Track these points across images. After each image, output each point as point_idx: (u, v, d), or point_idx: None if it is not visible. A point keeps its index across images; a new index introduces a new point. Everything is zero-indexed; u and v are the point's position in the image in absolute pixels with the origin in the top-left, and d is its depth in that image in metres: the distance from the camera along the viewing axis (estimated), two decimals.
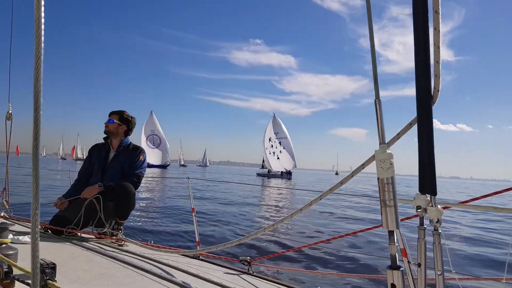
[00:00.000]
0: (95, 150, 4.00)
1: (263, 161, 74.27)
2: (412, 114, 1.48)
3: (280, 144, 70.18)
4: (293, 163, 68.55)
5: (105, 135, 3.96)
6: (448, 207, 2.01)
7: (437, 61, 1.36)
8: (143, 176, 3.86)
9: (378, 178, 1.33)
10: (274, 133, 70.82)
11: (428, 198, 1.39)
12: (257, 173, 72.66)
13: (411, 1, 1.37)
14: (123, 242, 3.23)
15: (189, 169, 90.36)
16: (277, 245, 6.96)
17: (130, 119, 4.01)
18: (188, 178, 4.15)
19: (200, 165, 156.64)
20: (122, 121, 3.93)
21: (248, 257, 2.85)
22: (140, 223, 8.80)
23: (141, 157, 3.91)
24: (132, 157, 3.86)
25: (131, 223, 8.19)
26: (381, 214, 1.29)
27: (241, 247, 6.13)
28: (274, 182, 42.49)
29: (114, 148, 3.91)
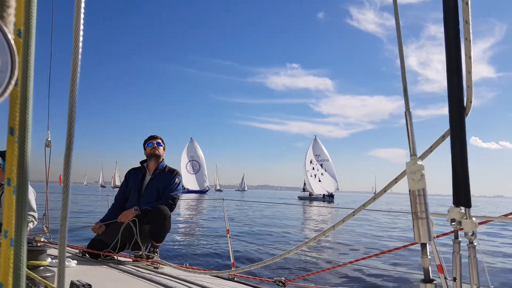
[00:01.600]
0: (131, 174, 4.12)
1: (304, 184, 73.02)
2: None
3: (321, 166, 69.08)
4: (335, 186, 66.94)
5: (143, 159, 4.09)
6: (485, 222, 1.93)
7: (469, 72, 1.35)
8: (178, 199, 3.93)
9: (409, 190, 1.31)
10: (315, 156, 69.89)
11: (463, 211, 1.36)
12: (298, 197, 71.61)
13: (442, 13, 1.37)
14: (158, 264, 3.28)
15: (227, 193, 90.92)
16: (312, 264, 6.85)
17: (164, 143, 4.15)
18: (223, 199, 4.19)
19: (238, 190, 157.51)
20: (163, 145, 4.09)
21: (283, 278, 2.82)
22: (176, 246, 8.88)
23: (176, 179, 4.00)
24: (168, 179, 3.95)
25: (168, 246, 8.29)
26: (413, 227, 1.27)
27: (276, 268, 6.08)
28: (316, 204, 41.88)
29: (150, 172, 4.02)
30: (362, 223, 16.69)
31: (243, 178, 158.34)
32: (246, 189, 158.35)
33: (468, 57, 1.33)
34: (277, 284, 2.81)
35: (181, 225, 14.23)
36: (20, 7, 0.79)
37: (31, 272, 1.93)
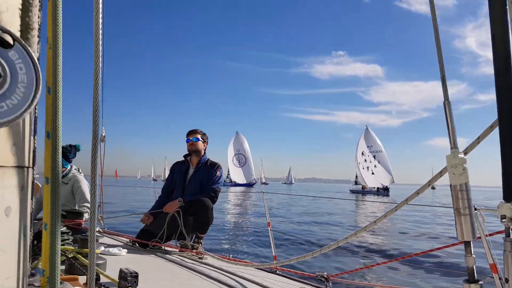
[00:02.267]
0: (176, 167, 4.25)
1: (356, 177, 70.21)
2: None
3: (374, 158, 65.66)
4: (390, 178, 63.23)
5: (186, 153, 4.20)
6: None
7: None
8: (220, 191, 4.00)
9: (450, 185, 1.24)
10: (367, 147, 66.50)
11: None
12: (350, 190, 68.92)
13: None
14: (203, 255, 3.36)
15: (273, 186, 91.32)
16: (355, 260, 6.73)
17: (206, 137, 4.22)
18: (263, 192, 4.20)
19: (285, 183, 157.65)
20: (203, 139, 4.15)
21: (325, 273, 2.78)
22: (220, 238, 9.08)
23: (218, 172, 4.07)
24: (210, 172, 4.03)
25: (212, 238, 8.49)
26: (455, 224, 1.20)
27: (318, 263, 6.05)
28: (369, 199, 40.49)
29: (193, 165, 4.12)
30: (413, 219, 16.14)
31: (289, 171, 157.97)
32: (293, 182, 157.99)
33: None
34: (319, 279, 2.77)
35: (225, 218, 14.49)
36: (49, 24, 0.83)
37: (83, 258, 2.05)
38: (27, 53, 0.72)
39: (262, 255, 7.06)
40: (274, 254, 3.51)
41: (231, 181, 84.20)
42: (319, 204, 23.81)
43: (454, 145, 1.27)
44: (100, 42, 0.87)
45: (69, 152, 4.24)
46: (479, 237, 1.64)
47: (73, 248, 2.24)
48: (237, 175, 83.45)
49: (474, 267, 1.19)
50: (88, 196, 4.08)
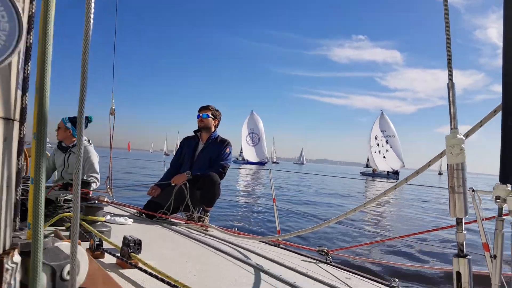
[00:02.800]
0: (185, 142, 4.30)
1: (368, 160, 71.33)
2: None
3: (387, 142, 66.32)
4: (400, 163, 64.17)
5: (196, 129, 4.24)
6: None
7: None
8: (228, 167, 4.05)
9: (447, 164, 1.27)
10: (381, 131, 67.01)
11: (509, 188, 1.30)
12: (361, 172, 70.43)
13: None
14: (208, 228, 3.45)
15: (284, 166, 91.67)
16: (356, 237, 6.87)
17: (219, 113, 4.24)
18: (270, 170, 4.26)
19: (296, 163, 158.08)
20: (214, 116, 4.18)
21: (326, 248, 2.86)
22: (226, 212, 9.23)
23: (227, 149, 4.11)
24: (219, 149, 4.08)
25: (219, 212, 8.64)
26: (449, 201, 1.24)
27: (320, 239, 6.18)
28: (379, 181, 40.91)
29: (203, 141, 4.17)
30: (417, 200, 16.18)
31: (301, 151, 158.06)
32: (304, 162, 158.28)
33: None
34: (319, 253, 2.85)
35: (233, 194, 14.68)
36: None
37: (87, 225, 2.13)
38: (11, 2, 0.74)
39: (267, 231, 7.19)
40: (278, 229, 3.59)
41: (244, 159, 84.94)
42: (329, 184, 23.91)
43: (454, 126, 1.29)
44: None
45: None
46: (475, 221, 1.68)
47: None
48: (250, 154, 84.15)
49: (464, 242, 1.23)
50: (97, 167, 4.18)
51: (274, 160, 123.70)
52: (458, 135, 1.26)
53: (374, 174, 62.65)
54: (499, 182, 1.30)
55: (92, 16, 0.82)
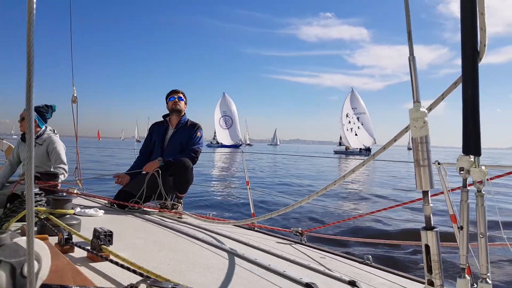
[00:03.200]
0: (155, 128, 4.21)
1: (340, 138, 72.42)
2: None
3: (358, 120, 68.18)
4: (372, 140, 66.06)
5: (165, 114, 4.16)
6: (500, 176, 1.87)
7: (481, 13, 1.27)
8: (200, 152, 4.01)
9: (411, 138, 1.29)
10: (352, 109, 68.72)
11: (472, 159, 1.33)
12: (334, 151, 70.77)
13: None
14: (182, 215, 3.42)
15: (257, 148, 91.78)
16: (329, 215, 7.05)
17: (187, 98, 4.19)
18: (242, 152, 4.25)
19: (270, 144, 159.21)
20: (185, 100, 4.13)
21: (300, 229, 2.89)
22: (200, 197, 9.20)
23: (198, 133, 4.06)
24: (190, 133, 4.02)
25: (192, 198, 8.61)
26: (415, 175, 1.25)
27: (295, 220, 6.28)
28: (352, 159, 41.75)
29: (173, 126, 4.09)
30: (387, 175, 16.63)
31: (275, 132, 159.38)
32: (278, 143, 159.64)
33: None
34: (294, 234, 2.88)
35: (208, 178, 14.64)
36: None
37: (55, 219, 2.06)
38: None
39: (242, 215, 7.23)
40: (252, 212, 3.60)
41: (218, 143, 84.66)
42: (302, 163, 24.19)
43: (416, 100, 1.30)
44: None
45: (46, 112, 4.16)
46: (442, 192, 1.73)
47: (45, 209, 2.24)
48: (224, 137, 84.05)
49: (431, 215, 1.25)
50: (64, 157, 4.04)
51: (248, 142, 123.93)
52: (421, 108, 1.27)
53: (347, 152, 63.96)
54: (462, 154, 1.33)
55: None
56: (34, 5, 0.73)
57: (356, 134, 67.47)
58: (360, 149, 63.27)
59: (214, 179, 14.99)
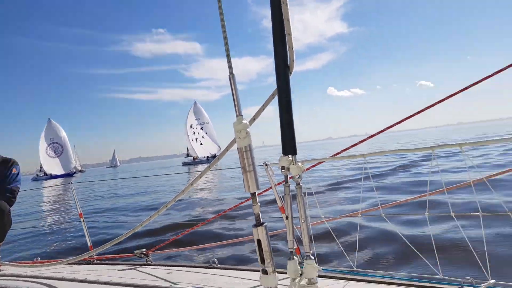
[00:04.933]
0: None
1: (187, 149, 74.11)
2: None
3: (202, 129, 71.29)
4: (217, 147, 69.56)
5: None
6: (313, 166, 2.19)
7: (288, 34, 1.45)
8: (18, 190, 3.48)
9: (237, 148, 1.40)
10: (196, 119, 71.61)
11: (290, 158, 1.52)
12: (182, 163, 72.45)
13: None
14: (0, 266, 2.91)
15: (93, 173, 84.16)
16: (173, 230, 7.05)
17: None
18: (71, 183, 3.90)
19: (109, 167, 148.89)
20: None
21: (144, 250, 2.80)
22: (25, 241, 7.95)
23: (14, 170, 3.52)
24: (3, 172, 3.46)
25: (14, 244, 7.38)
26: (243, 180, 1.37)
27: (140, 242, 6.06)
28: (201, 168, 41.80)
29: None
30: (230, 184, 17.49)
31: (114, 153, 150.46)
32: (118, 164, 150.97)
33: (287, 20, 1.43)
34: (138, 256, 2.78)
35: (35, 217, 12.81)
36: None
37: None
38: None
39: (78, 250, 6.55)
40: (89, 244, 3.31)
41: (46, 174, 74.76)
42: (149, 182, 23.27)
43: (239, 113, 1.42)
44: None
45: None
46: (270, 188, 1.92)
47: None
48: (54, 166, 74.91)
49: (260, 213, 1.40)
50: None
51: (80, 168, 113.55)
52: (243, 121, 1.40)
53: (196, 162, 66.15)
54: (282, 155, 1.52)
55: None
56: None
57: (201, 144, 70.44)
58: (207, 157, 66.35)
59: (43, 216, 13.14)
